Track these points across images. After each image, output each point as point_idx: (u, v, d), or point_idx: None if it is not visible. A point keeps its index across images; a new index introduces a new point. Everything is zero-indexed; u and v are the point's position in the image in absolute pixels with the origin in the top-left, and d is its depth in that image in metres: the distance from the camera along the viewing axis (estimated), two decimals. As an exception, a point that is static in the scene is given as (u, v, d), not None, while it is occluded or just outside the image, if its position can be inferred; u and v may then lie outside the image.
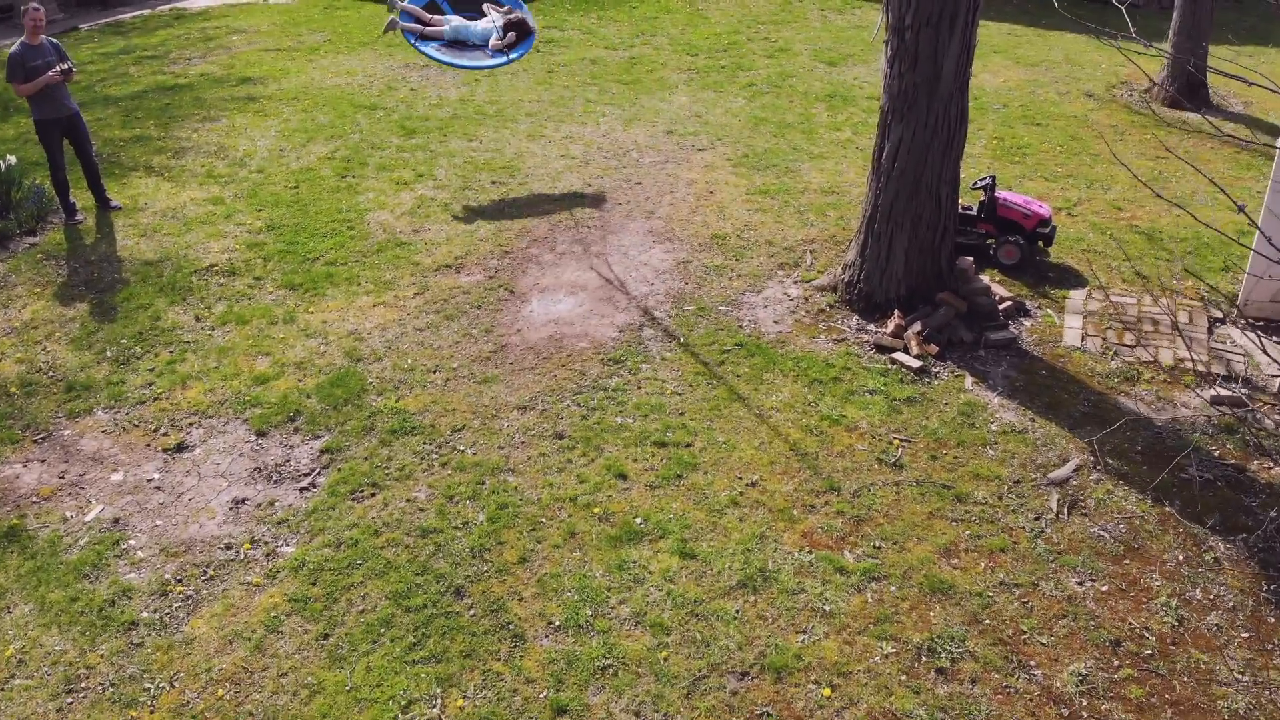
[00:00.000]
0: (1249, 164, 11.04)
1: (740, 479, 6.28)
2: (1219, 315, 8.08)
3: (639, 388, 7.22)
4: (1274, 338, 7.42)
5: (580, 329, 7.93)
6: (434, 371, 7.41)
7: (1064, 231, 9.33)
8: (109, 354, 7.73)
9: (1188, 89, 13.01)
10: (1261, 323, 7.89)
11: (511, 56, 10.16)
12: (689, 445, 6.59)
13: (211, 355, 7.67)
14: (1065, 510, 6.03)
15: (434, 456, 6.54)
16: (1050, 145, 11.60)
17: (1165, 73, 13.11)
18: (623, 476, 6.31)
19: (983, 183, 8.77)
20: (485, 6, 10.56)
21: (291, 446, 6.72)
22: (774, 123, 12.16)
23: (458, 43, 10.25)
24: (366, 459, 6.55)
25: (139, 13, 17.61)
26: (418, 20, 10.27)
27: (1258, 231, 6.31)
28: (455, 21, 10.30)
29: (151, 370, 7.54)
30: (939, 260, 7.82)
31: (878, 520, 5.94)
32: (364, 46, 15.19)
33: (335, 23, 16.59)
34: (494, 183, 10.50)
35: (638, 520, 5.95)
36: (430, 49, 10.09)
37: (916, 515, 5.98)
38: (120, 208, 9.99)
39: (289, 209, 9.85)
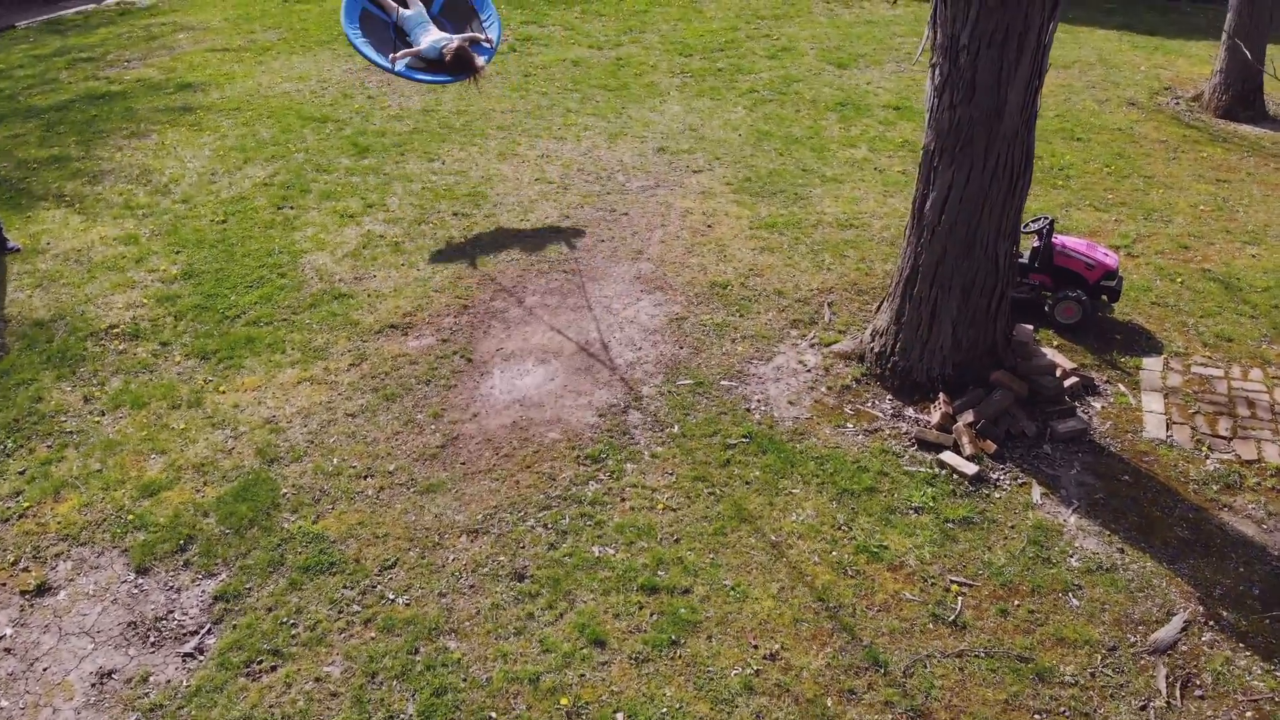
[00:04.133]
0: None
1: (755, 648, 4.81)
2: (1327, 391, 6.66)
3: (623, 499, 5.77)
4: None
5: (551, 412, 6.47)
6: (365, 477, 5.94)
7: (1127, 278, 7.88)
8: (-27, 448, 6.27)
9: (1242, 97, 11.54)
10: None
11: (398, 69, 8.18)
12: (687, 592, 5.13)
13: (95, 453, 6.19)
14: (1177, 693, 4.59)
15: (356, 608, 5.08)
16: (1095, 165, 10.12)
17: (1218, 79, 11.63)
18: (600, 643, 4.84)
19: (1037, 225, 7.32)
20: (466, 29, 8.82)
21: (178, 589, 5.25)
22: (779, 137, 10.67)
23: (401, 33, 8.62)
24: (270, 610, 5.08)
25: (82, 8, 16.00)
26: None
27: None
28: (417, 16, 8.61)
29: (22, 474, 6.06)
30: (994, 331, 6.34)
31: (938, 714, 4.48)
32: (321, 46, 13.62)
33: (293, 18, 15.01)
34: (455, 215, 9.00)
35: (619, 717, 4.49)
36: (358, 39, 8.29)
37: (989, 706, 4.53)
38: (19, 249, 8.48)
39: (212, 250, 8.34)
